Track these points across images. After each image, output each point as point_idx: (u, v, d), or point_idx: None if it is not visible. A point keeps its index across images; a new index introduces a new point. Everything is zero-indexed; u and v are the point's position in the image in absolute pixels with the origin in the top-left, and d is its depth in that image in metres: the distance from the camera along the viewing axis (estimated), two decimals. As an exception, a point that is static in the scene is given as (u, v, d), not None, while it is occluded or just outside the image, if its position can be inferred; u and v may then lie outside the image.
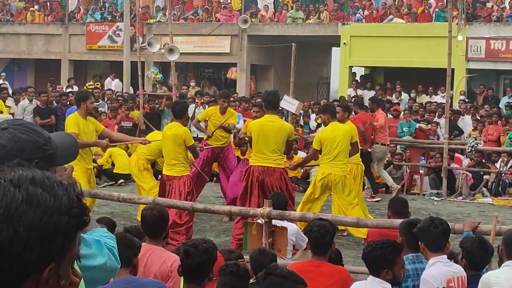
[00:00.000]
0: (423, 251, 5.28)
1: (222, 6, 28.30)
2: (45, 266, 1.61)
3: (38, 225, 1.58)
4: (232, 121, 12.40)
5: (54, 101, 19.04)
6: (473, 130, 18.16)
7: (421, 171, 16.17)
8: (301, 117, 19.05)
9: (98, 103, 19.71)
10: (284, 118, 17.96)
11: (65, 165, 2.71)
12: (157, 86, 24.49)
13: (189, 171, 10.46)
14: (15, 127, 2.30)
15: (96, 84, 25.30)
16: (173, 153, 10.14)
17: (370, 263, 4.93)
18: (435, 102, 21.13)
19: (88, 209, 1.73)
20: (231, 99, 20.15)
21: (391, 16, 25.31)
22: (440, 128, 17.47)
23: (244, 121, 18.32)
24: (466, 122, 18.76)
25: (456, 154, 16.39)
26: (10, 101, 19.23)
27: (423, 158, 16.75)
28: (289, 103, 13.93)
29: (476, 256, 5.41)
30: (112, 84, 25.65)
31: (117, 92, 22.78)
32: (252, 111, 12.87)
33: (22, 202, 1.58)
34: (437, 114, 18.71)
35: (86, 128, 10.01)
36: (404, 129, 17.57)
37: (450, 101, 16.27)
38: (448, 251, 5.47)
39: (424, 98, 22.85)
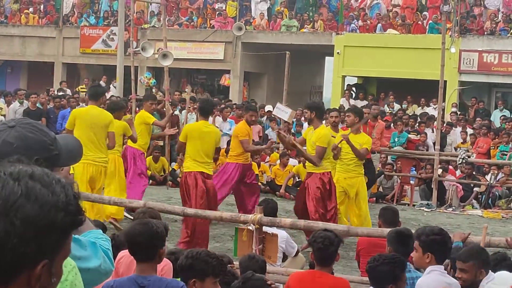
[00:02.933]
0: (428, 261, 5.22)
1: (217, 12, 28.34)
2: (38, 262, 1.62)
3: (35, 219, 1.59)
4: None
5: (45, 104, 19.05)
6: (461, 143, 18.24)
7: (411, 182, 16.22)
8: (294, 125, 19.09)
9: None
10: (277, 125, 18.03)
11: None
12: (154, 90, 24.44)
13: None
14: (22, 125, 2.31)
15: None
16: (212, 151, 10.33)
17: (375, 278, 4.83)
18: (426, 113, 21.22)
19: (84, 209, 1.74)
20: (223, 105, 20.25)
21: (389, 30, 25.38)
22: (427, 139, 17.56)
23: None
24: (457, 134, 18.85)
25: (450, 167, 16.46)
26: (1, 103, 19.22)
27: (414, 169, 16.80)
28: (281, 111, 13.93)
29: None
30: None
31: (111, 96, 22.76)
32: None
33: (21, 195, 1.60)
34: (425, 124, 18.81)
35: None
36: (395, 139, 17.64)
37: (442, 112, 16.34)
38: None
39: (415, 109, 22.93)
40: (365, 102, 23.58)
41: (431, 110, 21.84)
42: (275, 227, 7.85)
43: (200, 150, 10.12)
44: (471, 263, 5.00)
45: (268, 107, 21.57)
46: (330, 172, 10.57)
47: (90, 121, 10.35)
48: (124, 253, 5.33)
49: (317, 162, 10.38)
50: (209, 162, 10.30)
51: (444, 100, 18.76)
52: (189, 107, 19.01)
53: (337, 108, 22.46)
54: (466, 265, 5.00)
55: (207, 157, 10.19)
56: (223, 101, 23.05)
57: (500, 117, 21.12)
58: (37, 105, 18.31)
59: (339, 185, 11.03)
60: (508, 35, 23.56)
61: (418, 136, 17.87)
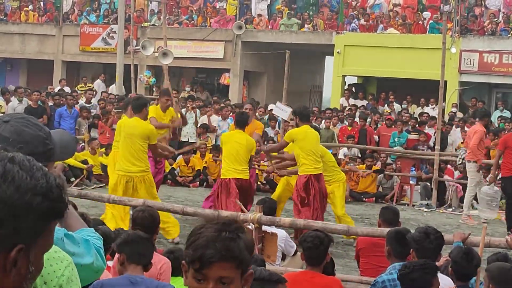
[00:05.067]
0: (413, 259, 5.26)
1: (217, 11, 28.32)
2: (14, 245, 1.62)
3: (9, 199, 1.61)
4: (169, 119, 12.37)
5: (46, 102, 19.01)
6: (461, 143, 18.19)
7: (411, 182, 16.19)
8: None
9: (90, 105, 19.71)
10: (277, 124, 18.01)
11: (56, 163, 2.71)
12: (154, 89, 24.43)
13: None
14: (17, 120, 2.32)
15: (89, 85, 25.28)
16: (245, 157, 10.69)
17: (408, 285, 4.77)
18: (427, 113, 21.19)
19: (68, 201, 1.74)
20: (222, 104, 20.23)
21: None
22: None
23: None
24: (457, 135, 18.81)
25: (448, 166, 16.43)
26: (1, 101, 19.19)
27: (414, 168, 16.77)
28: (281, 110, 13.98)
29: (460, 266, 5.41)
30: (96, 85, 25.64)
31: (102, 92, 22.76)
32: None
33: None
34: (426, 125, 18.80)
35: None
36: (395, 139, 17.61)
37: (442, 112, 16.33)
38: (443, 263, 5.46)
39: (415, 109, 22.90)
40: (364, 102, 23.58)
41: (429, 111, 21.83)
42: (274, 226, 7.83)
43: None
44: None
45: (271, 106, 21.61)
46: (308, 175, 10.65)
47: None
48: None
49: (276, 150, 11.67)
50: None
51: (444, 101, 18.73)
52: (188, 106, 19.00)
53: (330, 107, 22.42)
54: None
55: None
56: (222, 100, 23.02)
57: (498, 118, 21.09)
58: (38, 103, 18.29)
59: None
60: (509, 35, 23.53)
61: (420, 135, 17.81)
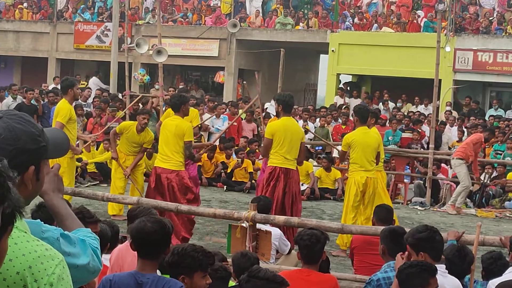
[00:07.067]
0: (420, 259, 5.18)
1: (212, 9, 28.30)
2: None
3: None
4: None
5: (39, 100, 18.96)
6: (457, 141, 18.23)
7: (405, 180, 16.20)
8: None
9: (85, 103, 19.67)
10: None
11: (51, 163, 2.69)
12: (155, 87, 24.37)
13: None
14: (9, 116, 2.30)
15: (82, 83, 25.22)
16: (174, 145, 10.02)
17: (403, 281, 4.69)
18: (418, 111, 21.25)
19: (7, 188, 1.74)
20: (216, 103, 20.19)
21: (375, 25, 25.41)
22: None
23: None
24: (453, 133, 18.83)
25: (442, 165, 16.44)
26: (-5, 98, 19.15)
27: (408, 167, 16.77)
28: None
29: (453, 263, 5.39)
30: (91, 83, 25.63)
31: (96, 90, 22.73)
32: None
33: None
34: (420, 124, 18.82)
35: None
36: (389, 138, 17.61)
37: (436, 111, 16.34)
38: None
39: (410, 108, 22.93)
40: (359, 100, 23.57)
41: (422, 109, 21.86)
42: (268, 225, 7.82)
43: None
44: None
45: (267, 105, 21.62)
46: (275, 167, 9.78)
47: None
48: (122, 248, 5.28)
49: (262, 153, 10.80)
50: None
51: (438, 99, 18.75)
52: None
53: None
54: None
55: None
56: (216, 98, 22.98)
57: (489, 117, 21.11)
58: (31, 101, 18.25)
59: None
60: (503, 34, 23.57)
61: (414, 133, 17.82)
